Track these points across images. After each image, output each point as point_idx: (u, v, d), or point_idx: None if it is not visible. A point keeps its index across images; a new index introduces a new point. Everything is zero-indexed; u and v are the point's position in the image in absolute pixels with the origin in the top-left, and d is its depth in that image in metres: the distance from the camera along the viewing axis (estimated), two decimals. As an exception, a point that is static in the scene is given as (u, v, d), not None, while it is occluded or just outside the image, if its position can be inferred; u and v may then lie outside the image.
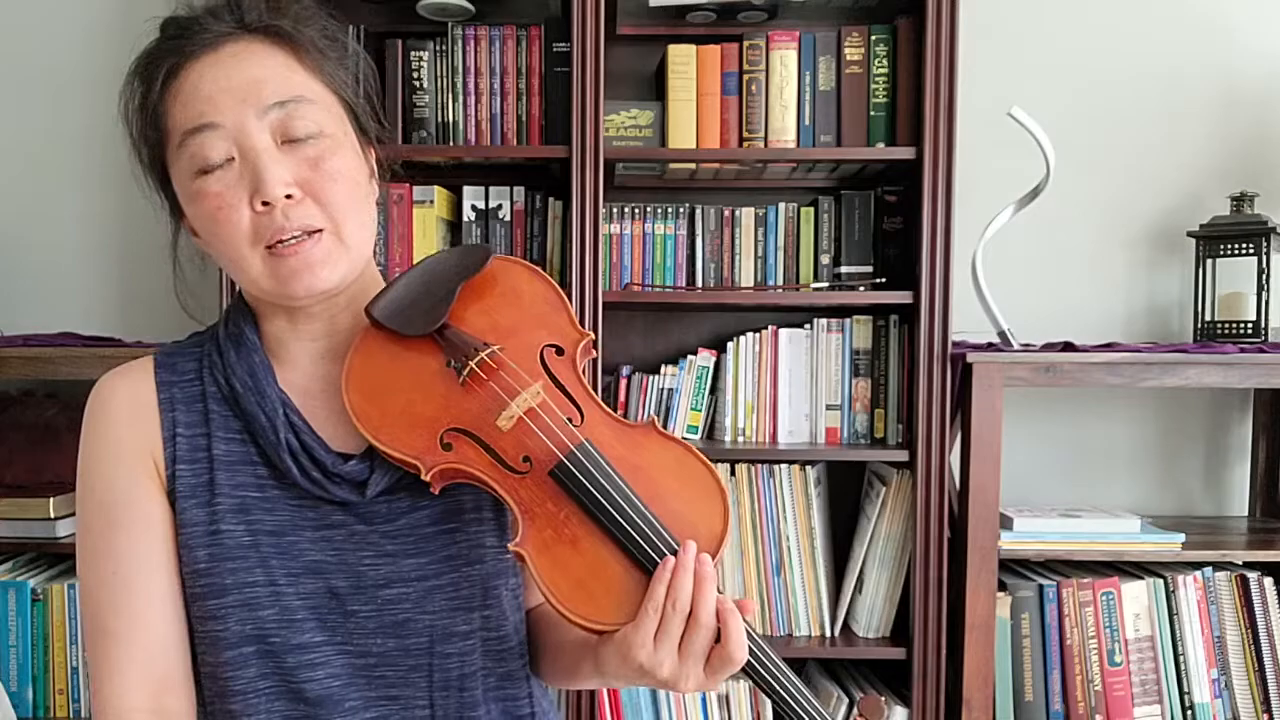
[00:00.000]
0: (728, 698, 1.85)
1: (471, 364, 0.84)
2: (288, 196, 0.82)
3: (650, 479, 0.82)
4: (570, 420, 0.84)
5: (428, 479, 0.82)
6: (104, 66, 2.09)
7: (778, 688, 0.81)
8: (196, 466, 0.87)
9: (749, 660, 0.79)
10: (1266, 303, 1.86)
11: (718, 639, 0.78)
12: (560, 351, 0.88)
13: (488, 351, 0.85)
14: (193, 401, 0.89)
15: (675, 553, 0.79)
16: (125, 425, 0.88)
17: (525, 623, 0.96)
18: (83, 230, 2.10)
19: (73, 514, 1.82)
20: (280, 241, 0.82)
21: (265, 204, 0.82)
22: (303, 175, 0.83)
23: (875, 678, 1.91)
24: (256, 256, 0.84)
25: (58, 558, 1.90)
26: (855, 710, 0.83)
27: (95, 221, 2.10)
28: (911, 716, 1.79)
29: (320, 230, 0.84)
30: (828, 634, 1.87)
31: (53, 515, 1.78)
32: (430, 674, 0.88)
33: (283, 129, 0.83)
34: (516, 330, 0.87)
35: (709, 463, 0.85)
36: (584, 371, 0.89)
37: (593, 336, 0.89)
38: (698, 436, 1.90)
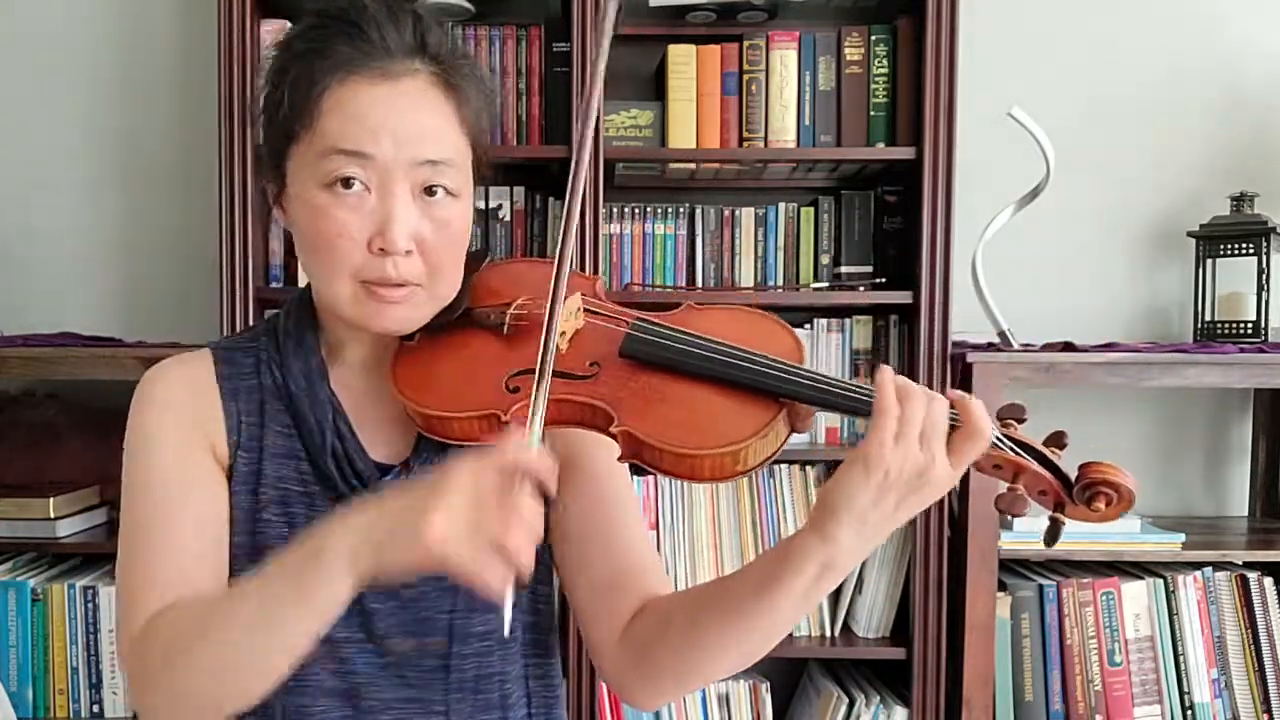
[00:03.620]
0: (727, 697, 1.85)
1: (510, 310, 0.90)
2: (406, 251, 0.84)
3: (708, 329, 0.86)
4: (616, 321, 0.89)
5: (506, 422, 0.84)
6: (106, 66, 2.09)
7: (1018, 450, 0.80)
8: (250, 455, 0.90)
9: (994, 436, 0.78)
10: (1266, 303, 1.86)
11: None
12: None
13: (520, 299, 0.91)
14: (251, 393, 0.92)
15: (762, 363, 0.80)
16: (186, 403, 0.90)
17: (640, 623, 0.90)
18: (83, 230, 2.10)
19: (73, 514, 1.83)
20: (381, 285, 0.85)
21: (383, 250, 0.84)
22: (425, 233, 0.85)
23: (875, 677, 1.91)
24: (351, 286, 0.86)
25: (58, 558, 1.90)
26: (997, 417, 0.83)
27: (95, 221, 2.10)
28: (911, 716, 1.79)
29: (419, 285, 0.86)
30: (828, 634, 1.87)
31: (53, 515, 1.78)
32: (447, 674, 0.89)
33: (423, 183, 0.85)
34: (532, 293, 0.93)
35: (755, 310, 0.90)
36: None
37: (601, 278, 0.93)
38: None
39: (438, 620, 0.89)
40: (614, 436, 0.82)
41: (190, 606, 0.81)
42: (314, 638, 0.77)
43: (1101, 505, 0.79)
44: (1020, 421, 0.84)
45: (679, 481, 1.84)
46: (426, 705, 0.89)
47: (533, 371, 0.82)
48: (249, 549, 0.88)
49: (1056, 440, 0.83)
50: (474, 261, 0.96)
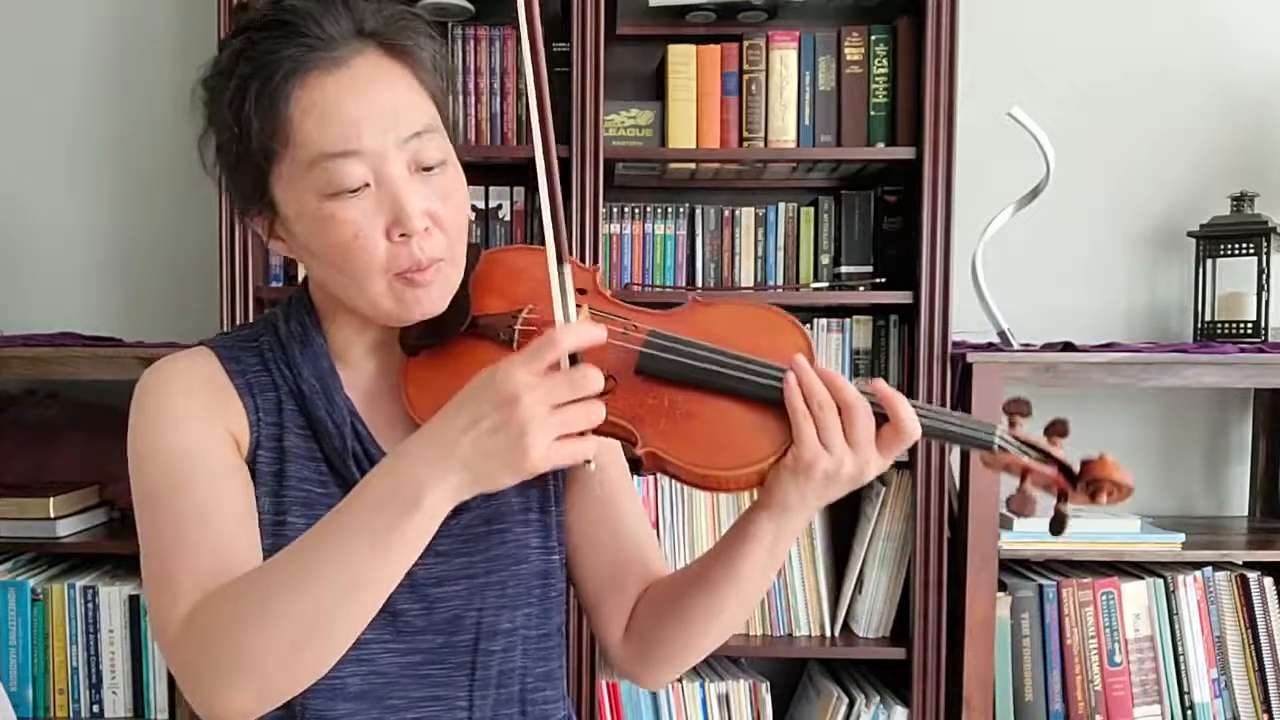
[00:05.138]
0: (728, 697, 1.85)
1: (517, 325, 0.88)
2: (424, 229, 0.83)
3: (721, 336, 0.86)
4: (626, 330, 0.87)
5: None
6: (104, 66, 2.09)
7: (952, 434, 0.84)
8: (271, 456, 0.88)
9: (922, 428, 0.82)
10: (1266, 303, 1.86)
11: (882, 422, 0.80)
12: (583, 291, 0.91)
13: (526, 310, 0.89)
14: (266, 390, 0.89)
15: (783, 372, 0.81)
16: (199, 396, 0.86)
17: (638, 609, 0.96)
18: (83, 230, 2.10)
19: (73, 514, 1.82)
20: (413, 271, 0.83)
21: (403, 235, 0.82)
22: (433, 206, 0.84)
23: (875, 678, 1.91)
24: (384, 282, 0.84)
25: (58, 558, 1.90)
26: (1004, 410, 0.87)
27: (95, 221, 2.10)
28: (911, 716, 1.79)
29: (442, 259, 0.85)
30: (828, 634, 1.87)
31: (53, 515, 1.78)
32: (472, 671, 0.90)
33: (416, 159, 0.84)
34: (535, 294, 0.90)
35: (762, 305, 0.90)
36: (611, 295, 0.93)
37: (600, 267, 0.91)
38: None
39: (466, 618, 0.89)
40: (638, 457, 0.82)
41: (250, 580, 0.76)
42: (391, 590, 0.76)
43: (1104, 499, 0.83)
44: (1025, 415, 0.86)
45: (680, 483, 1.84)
46: (450, 702, 0.89)
47: None
48: (269, 550, 0.84)
49: (1059, 430, 0.86)
50: (469, 257, 0.93)
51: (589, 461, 0.75)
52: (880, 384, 0.81)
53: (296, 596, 0.73)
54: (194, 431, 0.85)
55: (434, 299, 0.85)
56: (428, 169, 0.84)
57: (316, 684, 0.82)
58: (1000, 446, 0.83)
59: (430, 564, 0.88)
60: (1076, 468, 0.84)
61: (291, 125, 0.81)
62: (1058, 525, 0.85)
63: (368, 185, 0.82)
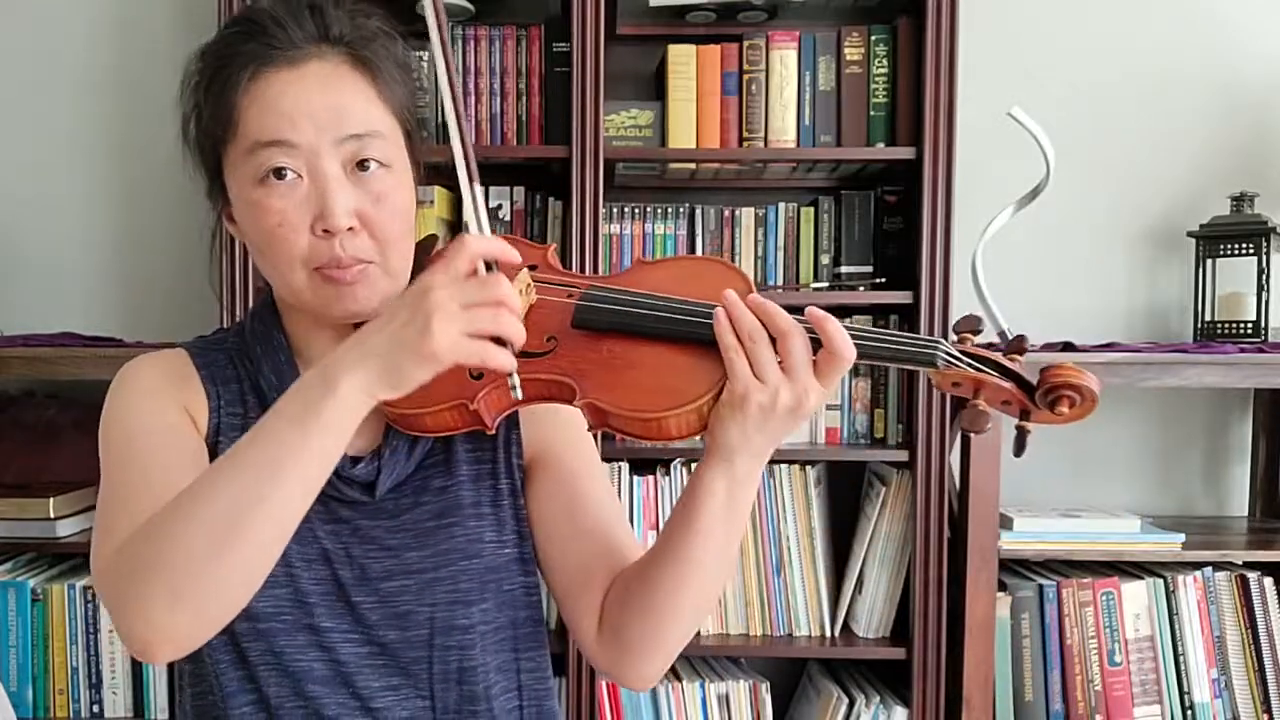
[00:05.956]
0: (728, 697, 1.85)
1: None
2: (349, 229, 0.85)
3: (659, 286, 0.87)
4: (569, 292, 0.88)
5: (475, 409, 0.84)
6: (104, 66, 2.09)
7: (892, 353, 0.83)
8: (232, 442, 0.88)
9: (858, 349, 0.80)
10: (1266, 303, 1.86)
11: (817, 348, 0.79)
12: (533, 267, 0.92)
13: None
14: (230, 383, 0.94)
15: (713, 309, 0.81)
16: (166, 386, 0.92)
17: (608, 598, 0.92)
18: (83, 230, 2.10)
19: (73, 514, 1.82)
20: (332, 267, 0.86)
21: (326, 231, 0.84)
22: (364, 208, 0.86)
23: (875, 678, 1.91)
24: (304, 274, 0.87)
25: (58, 558, 1.90)
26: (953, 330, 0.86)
27: (95, 221, 2.10)
28: (911, 716, 1.79)
29: (371, 262, 0.87)
30: (828, 634, 1.87)
31: (53, 515, 1.78)
32: (430, 665, 0.91)
33: (353, 159, 0.86)
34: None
35: (705, 256, 0.89)
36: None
37: (555, 245, 0.94)
38: (698, 437, 1.90)
39: (419, 614, 0.90)
40: (580, 409, 0.83)
41: (176, 495, 0.77)
42: (311, 499, 0.76)
43: (1065, 409, 0.81)
44: (975, 333, 0.85)
45: (677, 480, 1.84)
46: (413, 693, 0.91)
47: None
48: None
49: (1017, 346, 0.84)
50: (423, 249, 0.96)
51: (514, 387, 0.80)
52: (812, 309, 0.80)
53: (217, 493, 0.74)
54: (154, 404, 0.91)
55: (359, 299, 0.87)
56: (364, 169, 0.86)
57: (283, 665, 0.87)
58: (946, 362, 0.81)
59: (380, 557, 0.91)
60: (1034, 379, 0.81)
61: (239, 114, 0.85)
62: (1019, 444, 0.83)
63: (300, 178, 0.85)
